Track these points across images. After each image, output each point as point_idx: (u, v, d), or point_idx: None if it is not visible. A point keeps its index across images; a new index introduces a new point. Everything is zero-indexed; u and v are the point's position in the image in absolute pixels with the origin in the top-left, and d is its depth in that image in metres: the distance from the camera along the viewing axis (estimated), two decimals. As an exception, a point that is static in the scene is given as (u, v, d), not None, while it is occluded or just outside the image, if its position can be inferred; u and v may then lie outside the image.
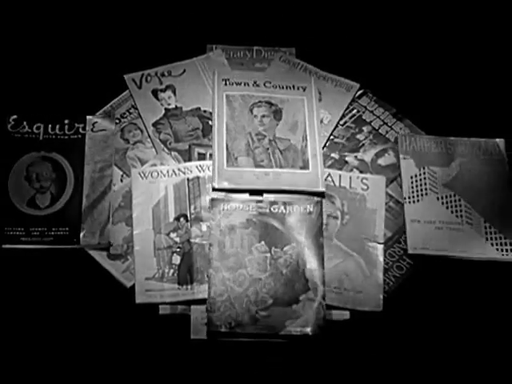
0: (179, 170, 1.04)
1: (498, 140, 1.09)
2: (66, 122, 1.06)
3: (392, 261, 1.01)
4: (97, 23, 1.20)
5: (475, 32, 1.22)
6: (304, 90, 1.11)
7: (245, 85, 1.10)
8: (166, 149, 1.08)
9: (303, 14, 1.24)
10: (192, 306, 0.95)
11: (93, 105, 1.10)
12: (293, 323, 0.93)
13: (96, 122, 1.07)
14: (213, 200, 1.01)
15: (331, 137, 1.11)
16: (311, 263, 0.97)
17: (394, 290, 0.99)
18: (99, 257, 0.98)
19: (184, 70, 1.15)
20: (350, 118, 1.13)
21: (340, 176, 1.06)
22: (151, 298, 0.95)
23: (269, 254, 0.97)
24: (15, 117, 1.05)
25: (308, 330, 0.93)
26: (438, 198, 1.04)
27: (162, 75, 1.14)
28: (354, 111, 1.14)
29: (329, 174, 1.05)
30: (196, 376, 0.92)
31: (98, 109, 1.10)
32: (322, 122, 1.11)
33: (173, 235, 1.00)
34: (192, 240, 0.99)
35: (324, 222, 1.01)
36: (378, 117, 1.13)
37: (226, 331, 0.92)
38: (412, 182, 1.05)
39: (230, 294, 0.94)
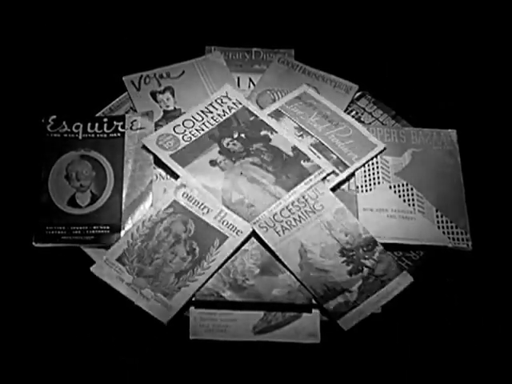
0: (178, 171, 1.04)
1: (450, 131, 1.10)
2: (105, 120, 1.07)
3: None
4: (95, 24, 1.20)
5: (474, 32, 1.22)
6: None
7: None
8: (164, 150, 1.08)
9: (302, 15, 1.24)
10: (191, 308, 0.95)
11: (91, 107, 1.10)
12: (279, 291, 0.94)
13: (135, 120, 1.07)
14: None
15: (330, 138, 1.11)
16: None
17: (392, 291, 0.99)
18: (98, 258, 0.98)
19: (183, 72, 1.15)
20: (349, 119, 1.13)
21: (339, 177, 1.06)
22: (150, 299, 0.96)
23: None
24: (54, 117, 1.06)
25: (293, 298, 0.94)
26: (390, 187, 1.04)
27: (161, 77, 1.14)
28: (353, 113, 1.14)
29: (328, 176, 1.06)
30: (195, 376, 0.93)
31: (97, 111, 1.10)
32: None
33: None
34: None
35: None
36: (377, 119, 1.13)
37: (213, 300, 0.93)
38: (365, 171, 1.06)
39: None
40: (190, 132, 1.04)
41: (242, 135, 1.04)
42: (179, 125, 1.05)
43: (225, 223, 0.95)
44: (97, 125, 1.06)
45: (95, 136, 1.05)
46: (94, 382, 0.92)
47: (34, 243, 0.97)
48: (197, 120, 1.05)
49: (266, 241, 0.95)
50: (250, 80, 1.17)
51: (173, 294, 0.91)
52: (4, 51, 1.14)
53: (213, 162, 1.02)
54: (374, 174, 1.06)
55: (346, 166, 1.05)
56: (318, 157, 1.03)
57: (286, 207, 0.98)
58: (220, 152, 1.03)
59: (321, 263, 0.94)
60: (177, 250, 0.94)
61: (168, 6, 1.22)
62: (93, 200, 1.01)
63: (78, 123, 1.06)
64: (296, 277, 0.94)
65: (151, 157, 1.04)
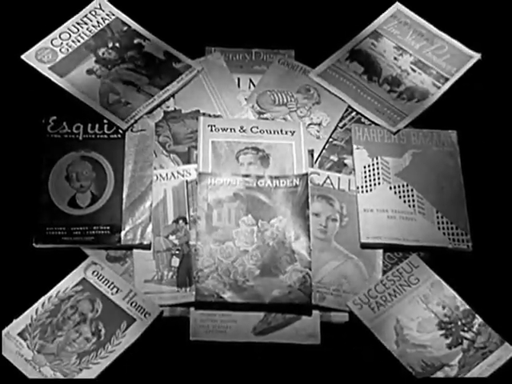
0: (178, 172, 1.04)
1: (450, 131, 1.10)
2: (106, 121, 1.07)
3: (391, 263, 1.01)
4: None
5: (473, 33, 1.22)
6: (292, 134, 1.08)
7: (231, 130, 1.07)
8: (164, 151, 1.08)
9: (302, 15, 1.24)
10: (191, 309, 0.95)
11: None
12: (279, 292, 0.94)
13: (135, 122, 1.08)
14: (200, 174, 1.02)
15: (330, 139, 1.11)
16: (297, 235, 0.98)
17: (392, 292, 0.99)
18: (98, 259, 0.98)
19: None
20: (349, 120, 1.13)
21: (339, 178, 1.06)
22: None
23: (256, 227, 0.98)
24: (55, 118, 1.06)
25: (293, 298, 0.94)
26: (390, 188, 1.04)
27: (161, 77, 1.15)
28: (353, 113, 1.14)
29: (328, 177, 1.06)
30: (195, 377, 0.93)
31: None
32: (320, 124, 1.12)
33: (172, 238, 1.00)
34: (191, 242, 0.99)
35: (323, 224, 1.02)
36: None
37: (214, 301, 0.94)
38: (365, 172, 1.06)
39: (217, 266, 0.95)
40: (66, 44, 1.11)
41: (117, 44, 1.12)
42: (56, 38, 1.11)
43: (133, 304, 0.93)
44: (97, 126, 1.07)
45: (96, 137, 1.06)
46: (91, 382, 0.92)
47: (34, 244, 0.97)
48: (73, 32, 1.12)
49: (361, 318, 0.94)
50: (251, 81, 1.17)
51: (73, 375, 0.87)
52: (4, 51, 1.14)
53: (89, 71, 1.09)
54: (374, 174, 1.06)
55: (447, 79, 1.12)
56: (419, 73, 1.12)
57: (381, 282, 0.97)
58: (96, 61, 1.10)
59: (418, 338, 0.92)
60: (81, 329, 0.90)
61: (168, 7, 1.22)
62: (93, 201, 1.01)
63: (79, 124, 1.06)
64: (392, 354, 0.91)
65: (151, 158, 1.05)
